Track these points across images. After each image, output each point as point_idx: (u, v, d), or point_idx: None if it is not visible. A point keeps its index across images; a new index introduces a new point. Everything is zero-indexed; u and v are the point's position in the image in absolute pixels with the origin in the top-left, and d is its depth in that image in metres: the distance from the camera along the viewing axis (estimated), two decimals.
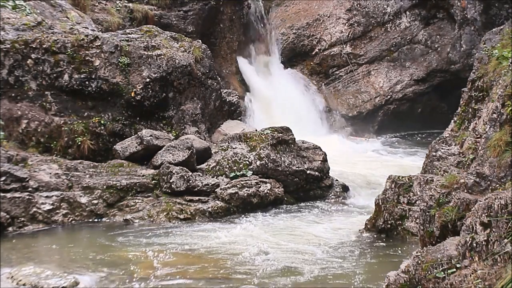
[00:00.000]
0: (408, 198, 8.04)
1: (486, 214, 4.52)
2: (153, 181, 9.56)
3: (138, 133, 10.19)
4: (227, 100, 12.62)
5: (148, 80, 10.61)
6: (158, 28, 11.81)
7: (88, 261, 7.17)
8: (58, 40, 10.28)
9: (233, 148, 10.46)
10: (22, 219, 8.48)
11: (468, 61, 17.06)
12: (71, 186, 9.14)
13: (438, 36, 18.37)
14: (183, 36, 12.11)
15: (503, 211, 4.40)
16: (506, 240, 4.26)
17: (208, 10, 16.08)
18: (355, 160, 14.06)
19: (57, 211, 8.80)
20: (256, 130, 11.22)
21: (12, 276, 6.35)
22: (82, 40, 10.40)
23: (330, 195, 10.77)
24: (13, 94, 9.95)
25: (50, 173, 9.10)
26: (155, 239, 8.11)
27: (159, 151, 9.87)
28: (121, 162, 9.85)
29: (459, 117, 8.36)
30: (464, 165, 7.19)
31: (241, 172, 10.04)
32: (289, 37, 18.38)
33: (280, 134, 10.74)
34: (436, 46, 18.37)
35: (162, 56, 10.88)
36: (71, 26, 11.18)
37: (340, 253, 7.50)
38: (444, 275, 4.56)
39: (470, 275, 4.32)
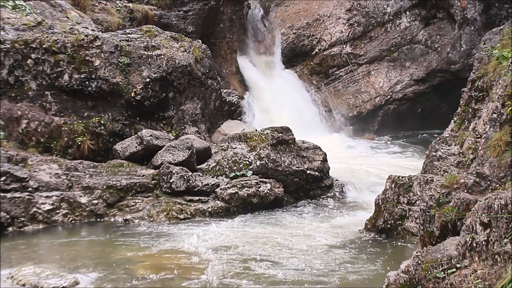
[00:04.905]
0: (408, 198, 8.04)
1: (486, 214, 4.52)
2: (153, 181, 9.56)
3: (138, 133, 10.19)
4: (227, 100, 12.62)
5: (148, 80, 10.62)
6: (158, 28, 11.82)
7: (88, 261, 7.17)
8: (58, 40, 10.28)
9: (233, 148, 10.46)
10: (22, 219, 8.49)
11: (468, 61, 17.07)
12: (71, 186, 9.14)
13: (438, 36, 18.37)
14: (183, 36, 12.11)
15: (503, 211, 4.40)
16: (506, 240, 4.26)
17: (208, 10, 16.08)
18: (355, 160, 14.06)
19: (57, 211, 8.81)
20: (256, 130, 11.23)
21: (12, 276, 6.35)
22: (82, 40, 10.40)
23: (330, 195, 10.78)
24: (13, 94, 9.96)
25: (50, 173, 9.10)
26: (155, 239, 8.10)
27: (159, 151, 9.88)
28: (121, 162, 9.85)
29: (459, 117, 8.36)
30: (464, 165, 7.19)
31: (241, 172, 10.04)
32: (289, 37, 18.38)
33: (280, 134, 10.74)
34: (436, 46, 18.37)
35: (162, 56, 10.88)
36: (71, 26, 11.18)
37: (339, 253, 7.49)
38: (444, 275, 4.56)
39: (470, 275, 4.32)
